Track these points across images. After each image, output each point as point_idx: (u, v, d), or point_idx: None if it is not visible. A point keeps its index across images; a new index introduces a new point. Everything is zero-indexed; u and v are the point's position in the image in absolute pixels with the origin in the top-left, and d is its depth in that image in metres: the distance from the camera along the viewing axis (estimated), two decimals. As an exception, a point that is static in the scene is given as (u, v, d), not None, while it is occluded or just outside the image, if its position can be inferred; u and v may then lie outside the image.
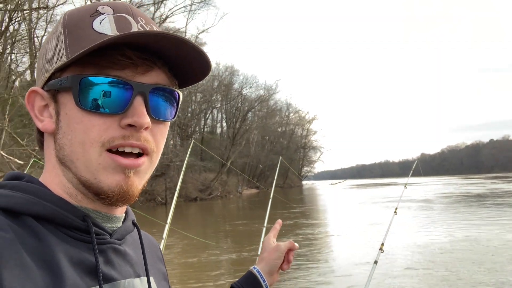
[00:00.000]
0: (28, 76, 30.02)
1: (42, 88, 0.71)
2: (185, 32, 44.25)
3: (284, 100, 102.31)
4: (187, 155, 5.35)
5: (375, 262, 3.81)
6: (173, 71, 0.72)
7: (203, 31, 58.72)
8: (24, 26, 26.19)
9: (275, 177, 6.61)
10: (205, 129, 58.31)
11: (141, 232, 0.82)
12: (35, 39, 28.68)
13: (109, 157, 0.65)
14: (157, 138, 0.70)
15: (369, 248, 11.56)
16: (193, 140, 6.35)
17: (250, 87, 61.42)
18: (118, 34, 0.64)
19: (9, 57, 25.04)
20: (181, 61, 0.70)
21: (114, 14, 0.69)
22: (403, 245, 12.08)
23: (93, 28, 0.67)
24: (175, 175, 38.16)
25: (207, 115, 58.37)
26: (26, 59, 28.57)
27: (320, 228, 18.02)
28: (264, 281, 1.15)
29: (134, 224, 0.80)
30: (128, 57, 0.65)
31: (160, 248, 0.93)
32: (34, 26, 27.66)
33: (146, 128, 0.67)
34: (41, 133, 0.74)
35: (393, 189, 51.20)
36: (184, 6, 41.46)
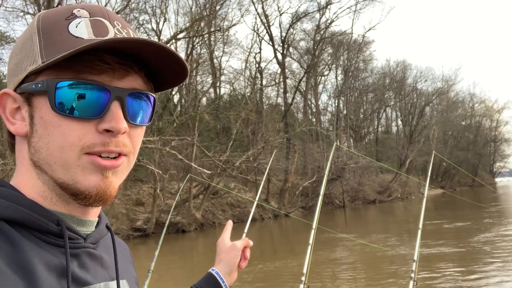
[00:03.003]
0: (212, 94, 33.40)
1: (15, 90, 0.69)
2: (352, 33, 43.75)
3: (467, 90, 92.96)
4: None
5: None
6: (150, 75, 0.72)
7: (369, 29, 57.33)
8: (204, 50, 29.13)
9: (428, 176, 6.05)
10: (379, 129, 56.46)
11: (114, 236, 0.81)
12: (215, 60, 31.69)
13: (88, 159, 0.65)
14: (134, 141, 0.71)
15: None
16: (335, 144, 6.13)
17: (426, 81, 57.26)
18: (94, 38, 0.65)
19: (195, 80, 28.19)
20: (158, 66, 0.70)
21: (90, 17, 0.68)
22: None
23: (69, 32, 0.66)
24: (351, 178, 37.78)
25: (381, 115, 56.48)
26: (209, 79, 31.82)
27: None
28: (223, 281, 1.18)
29: (107, 227, 0.80)
30: (106, 62, 0.65)
31: (130, 252, 0.92)
32: (213, 48, 30.60)
33: (124, 133, 0.67)
34: (11, 136, 0.73)
35: None
36: (349, 7, 41.07)
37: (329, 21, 40.21)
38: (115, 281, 0.75)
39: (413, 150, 46.18)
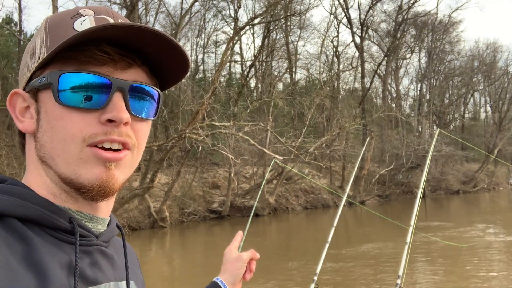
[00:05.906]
0: (288, 79, 33.28)
1: (24, 89, 0.70)
2: (437, 13, 41.20)
3: None
4: (432, 146, 4.83)
5: None
6: (154, 71, 0.73)
7: (456, 9, 53.72)
8: (280, 34, 28.96)
9: None
10: (466, 115, 53.02)
11: (124, 237, 0.81)
12: (291, 45, 31.44)
13: (90, 151, 0.65)
14: (139, 135, 0.71)
15: None
16: (438, 129, 5.76)
17: (520, 63, 52.70)
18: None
19: (270, 65, 28.20)
20: (160, 59, 0.71)
21: (95, 16, 0.70)
22: None
23: (74, 28, 0.68)
24: (433, 166, 35.99)
25: (468, 100, 52.93)
26: (285, 64, 31.69)
27: None
28: None
29: (118, 227, 0.79)
30: (106, 53, 0.66)
31: (136, 256, 0.91)
32: (289, 33, 30.35)
33: (126, 124, 0.67)
34: (22, 136, 0.73)
35: None
36: (434, -15, 38.45)
37: (412, 1, 38.16)
38: (124, 281, 0.75)
39: (503, 138, 42.83)
